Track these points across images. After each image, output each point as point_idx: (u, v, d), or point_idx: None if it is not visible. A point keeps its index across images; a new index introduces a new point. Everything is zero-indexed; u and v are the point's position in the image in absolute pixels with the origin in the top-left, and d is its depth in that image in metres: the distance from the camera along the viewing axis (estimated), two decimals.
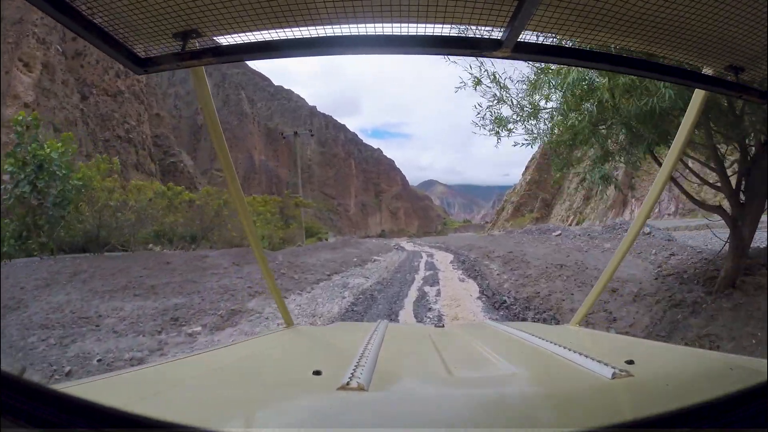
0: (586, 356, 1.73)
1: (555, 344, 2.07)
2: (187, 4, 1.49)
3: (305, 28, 1.64)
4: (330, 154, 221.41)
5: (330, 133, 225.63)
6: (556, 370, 1.81)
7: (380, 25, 1.61)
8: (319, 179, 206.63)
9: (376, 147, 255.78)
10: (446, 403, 1.37)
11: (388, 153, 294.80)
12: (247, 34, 1.69)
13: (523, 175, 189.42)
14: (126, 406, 0.73)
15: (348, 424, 1.15)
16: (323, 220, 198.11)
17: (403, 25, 1.62)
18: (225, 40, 1.75)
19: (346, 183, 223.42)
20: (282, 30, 1.65)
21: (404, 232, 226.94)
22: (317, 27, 1.64)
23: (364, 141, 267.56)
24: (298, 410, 1.28)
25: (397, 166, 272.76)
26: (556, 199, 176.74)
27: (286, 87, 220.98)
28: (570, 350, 1.89)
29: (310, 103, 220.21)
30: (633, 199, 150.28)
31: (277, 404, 1.38)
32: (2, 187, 14.54)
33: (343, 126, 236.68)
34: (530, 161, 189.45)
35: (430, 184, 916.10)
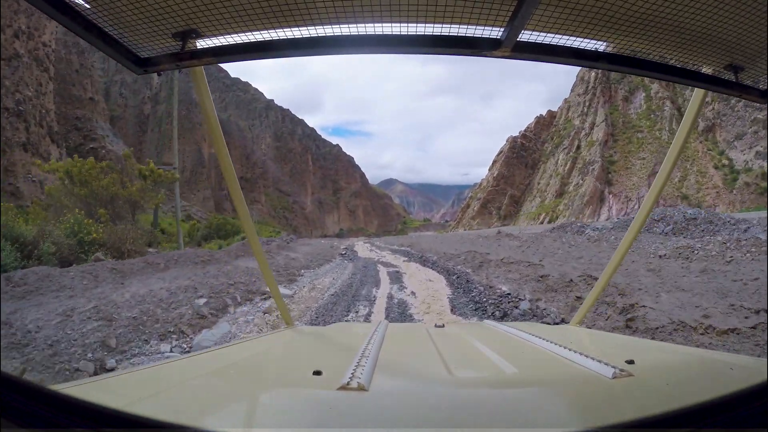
0: (587, 356, 1.73)
1: (555, 344, 2.06)
2: (187, 4, 1.50)
3: (304, 28, 1.64)
4: (285, 149, 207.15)
5: (287, 127, 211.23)
6: (557, 369, 1.79)
7: (379, 24, 1.61)
8: (273, 175, 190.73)
9: (335, 143, 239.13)
10: (446, 403, 1.37)
11: (349, 151, 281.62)
12: (247, 34, 1.68)
13: (489, 170, 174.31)
14: (126, 406, 0.73)
15: (348, 424, 1.16)
16: (278, 219, 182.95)
17: (402, 24, 1.61)
18: (224, 40, 1.73)
19: (303, 179, 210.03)
20: (282, 30, 1.64)
21: (363, 231, 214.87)
22: (316, 27, 1.64)
23: (325, 138, 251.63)
24: (298, 410, 1.30)
25: (357, 163, 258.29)
26: (525, 196, 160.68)
27: (243, 79, 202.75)
28: (570, 350, 1.89)
29: (270, 97, 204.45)
30: (610, 195, 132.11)
31: (277, 404, 1.39)
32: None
33: (301, 120, 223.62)
34: (498, 155, 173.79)
35: (390, 182, 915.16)
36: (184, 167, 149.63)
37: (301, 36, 1.66)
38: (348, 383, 1.39)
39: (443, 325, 3.21)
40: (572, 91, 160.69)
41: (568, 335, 2.62)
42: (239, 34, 1.68)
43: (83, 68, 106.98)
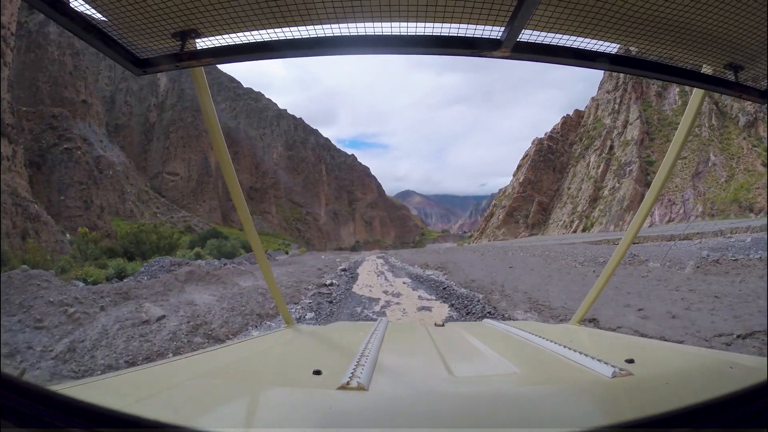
0: (587, 355, 1.74)
1: (555, 343, 2.06)
2: (186, 5, 1.52)
3: (304, 28, 1.65)
4: (298, 158, 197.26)
5: (299, 136, 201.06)
6: (557, 369, 1.80)
7: (379, 24, 1.62)
8: (285, 185, 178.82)
9: (350, 153, 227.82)
10: (446, 402, 1.38)
11: (365, 163, 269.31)
12: (246, 34, 1.69)
13: (514, 175, 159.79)
14: (125, 407, 0.76)
15: (348, 424, 1.17)
16: (290, 231, 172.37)
17: (402, 24, 1.63)
18: (224, 40, 1.74)
19: (316, 190, 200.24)
20: (281, 30, 1.65)
21: (380, 243, 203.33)
22: (316, 27, 1.65)
23: (339, 148, 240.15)
24: (298, 410, 1.30)
25: (372, 173, 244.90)
26: (554, 202, 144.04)
27: (255, 89, 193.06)
28: (570, 349, 1.89)
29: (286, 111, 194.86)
30: None
31: (277, 404, 1.38)
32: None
33: (315, 130, 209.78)
34: (523, 159, 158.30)
35: (407, 194, 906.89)
36: (190, 176, 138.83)
37: (300, 36, 1.66)
38: (348, 383, 1.40)
39: (443, 324, 3.17)
40: (600, 88, 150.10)
41: (568, 334, 2.58)
42: (239, 34, 1.67)
43: (77, 70, 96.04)
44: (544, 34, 1.67)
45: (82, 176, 71.50)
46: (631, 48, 1.80)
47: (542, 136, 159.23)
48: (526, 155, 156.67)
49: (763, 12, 1.51)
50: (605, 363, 1.56)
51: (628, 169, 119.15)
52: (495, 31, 1.62)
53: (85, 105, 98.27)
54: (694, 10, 1.52)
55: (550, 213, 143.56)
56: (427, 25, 1.61)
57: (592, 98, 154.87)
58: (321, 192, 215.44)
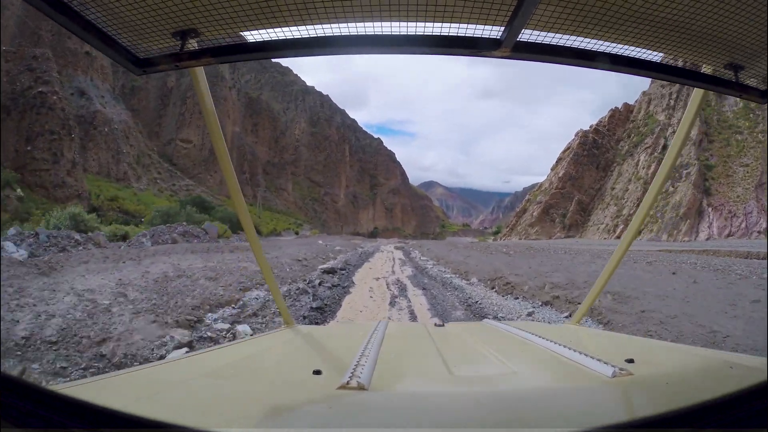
0: (586, 355, 1.76)
1: (555, 343, 2.08)
2: (185, 5, 1.54)
3: (303, 28, 1.68)
4: (321, 136, 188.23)
5: (324, 113, 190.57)
6: (557, 368, 1.84)
7: (379, 24, 1.65)
8: (306, 163, 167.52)
9: (376, 137, 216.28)
10: (446, 402, 1.42)
11: (391, 150, 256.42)
12: (246, 34, 1.74)
13: (553, 169, 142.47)
14: (125, 407, 0.76)
15: (348, 424, 1.19)
16: (305, 210, 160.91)
17: (402, 24, 1.66)
18: (224, 40, 1.79)
19: (338, 170, 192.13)
20: (281, 29, 1.69)
21: (399, 231, 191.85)
22: (316, 27, 1.68)
23: (365, 130, 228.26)
24: (298, 410, 1.34)
25: (398, 159, 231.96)
26: (595, 203, 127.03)
27: (283, 64, 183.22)
28: (570, 349, 1.91)
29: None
30: (710, 208, 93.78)
31: (277, 404, 1.40)
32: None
33: (342, 110, 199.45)
34: (564, 152, 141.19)
35: (431, 185, 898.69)
36: (203, 145, 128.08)
37: (300, 36, 1.68)
38: (348, 383, 1.42)
39: (443, 324, 3.14)
40: (652, 82, 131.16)
41: (568, 334, 2.61)
42: (239, 34, 1.71)
43: None
44: (543, 33, 1.67)
45: (55, 125, 61.00)
46: (632, 48, 1.80)
47: (587, 128, 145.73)
48: (568, 148, 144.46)
49: (763, 12, 1.51)
50: (605, 363, 1.58)
51: (685, 171, 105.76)
52: (495, 31, 1.63)
53: (89, 57, 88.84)
54: (694, 9, 1.53)
55: (590, 214, 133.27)
56: (427, 24, 1.61)
57: (644, 92, 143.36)
58: (342, 173, 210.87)
